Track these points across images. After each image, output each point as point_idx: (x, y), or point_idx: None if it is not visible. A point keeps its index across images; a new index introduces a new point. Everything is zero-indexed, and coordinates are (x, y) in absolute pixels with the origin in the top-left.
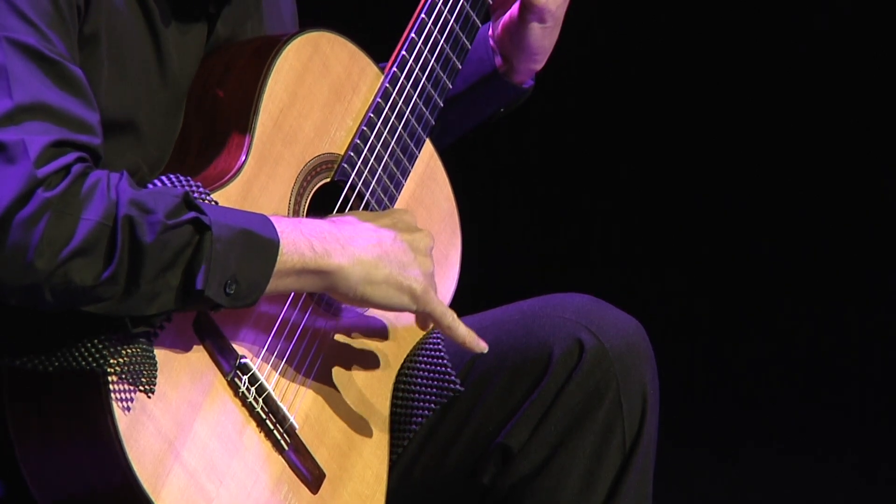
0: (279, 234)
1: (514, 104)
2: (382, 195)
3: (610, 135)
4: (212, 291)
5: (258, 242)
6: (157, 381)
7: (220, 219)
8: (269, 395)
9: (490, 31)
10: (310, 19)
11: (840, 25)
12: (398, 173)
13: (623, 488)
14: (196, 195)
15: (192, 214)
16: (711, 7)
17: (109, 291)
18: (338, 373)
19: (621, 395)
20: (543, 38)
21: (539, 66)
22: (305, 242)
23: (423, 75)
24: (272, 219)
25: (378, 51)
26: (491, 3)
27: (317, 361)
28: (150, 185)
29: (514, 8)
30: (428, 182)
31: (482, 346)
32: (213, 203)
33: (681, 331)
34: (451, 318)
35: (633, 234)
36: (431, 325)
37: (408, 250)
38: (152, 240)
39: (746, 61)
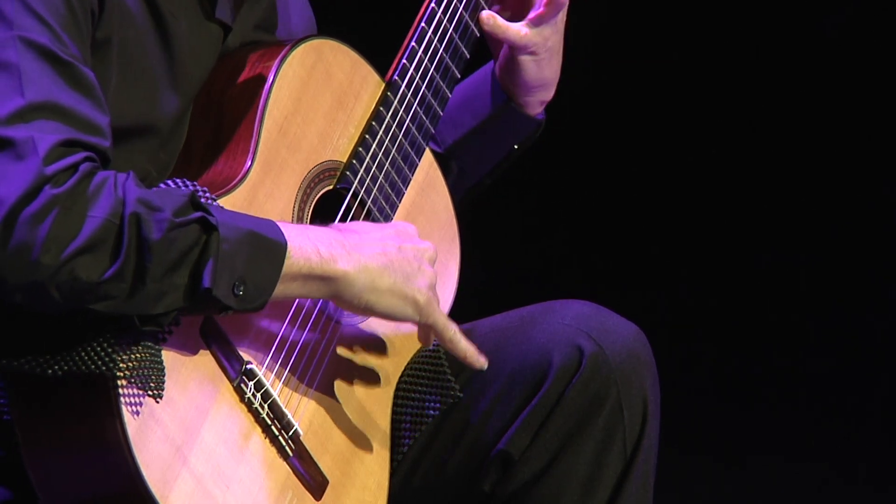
0: (286, 238)
1: (528, 139)
2: (384, 203)
3: (610, 140)
4: (220, 291)
5: (266, 245)
6: (165, 385)
7: (227, 220)
8: (274, 401)
9: (495, 70)
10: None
11: (842, 31)
12: (399, 181)
13: (624, 495)
14: (203, 199)
15: (199, 214)
16: (714, 13)
17: (116, 289)
18: (341, 380)
19: (622, 402)
20: (541, 70)
21: (547, 97)
22: (312, 247)
23: (424, 83)
24: (279, 223)
25: (379, 58)
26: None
27: (320, 369)
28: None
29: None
30: (427, 190)
31: (482, 362)
32: (218, 206)
33: (681, 337)
34: (454, 332)
35: (633, 240)
36: (433, 340)
37: (412, 261)
38: (159, 237)
39: (749, 68)
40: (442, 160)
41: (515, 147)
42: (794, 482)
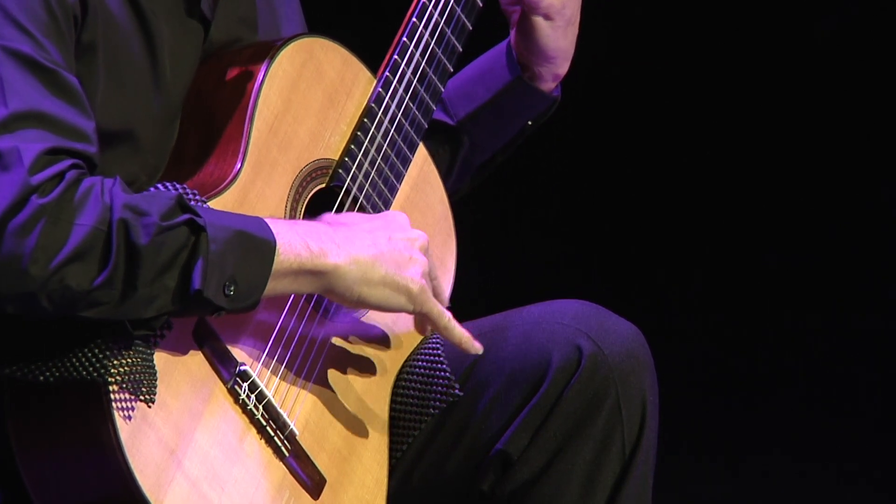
0: (275, 235)
1: (542, 116)
2: (377, 199)
3: (610, 139)
4: (211, 292)
5: (254, 243)
6: (158, 389)
7: (215, 220)
8: (269, 402)
9: (511, 41)
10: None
11: (843, 31)
12: (392, 177)
13: (622, 495)
14: (191, 201)
15: (187, 216)
16: (713, 13)
17: (106, 296)
18: (337, 378)
19: (621, 402)
20: (557, 38)
21: (561, 70)
22: (301, 243)
23: (416, 79)
24: (267, 220)
25: (370, 55)
26: (481, 5)
27: (316, 367)
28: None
29: (521, 12)
30: (422, 185)
31: (477, 347)
32: (206, 207)
33: (680, 337)
34: (448, 319)
35: (632, 240)
36: (430, 330)
37: (403, 251)
38: (147, 242)
39: (749, 68)
40: (453, 133)
41: (529, 123)
42: (794, 482)
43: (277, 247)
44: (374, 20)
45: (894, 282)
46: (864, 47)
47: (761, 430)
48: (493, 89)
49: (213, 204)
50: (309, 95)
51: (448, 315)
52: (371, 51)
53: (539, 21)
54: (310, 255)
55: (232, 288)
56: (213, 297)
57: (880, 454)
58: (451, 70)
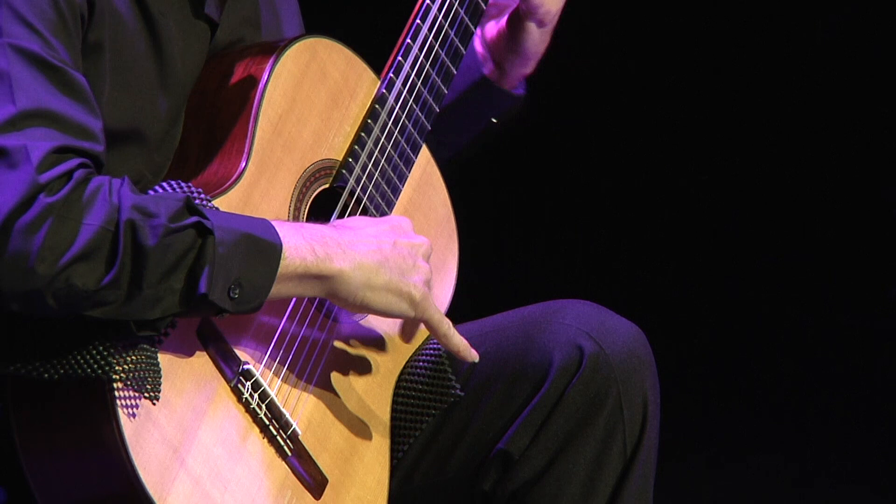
0: (281, 239)
1: (507, 114)
2: (380, 200)
3: (610, 139)
4: (216, 295)
5: (261, 246)
6: (162, 387)
7: (223, 223)
8: (271, 402)
9: (479, 39)
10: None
11: (843, 31)
12: (395, 178)
13: (624, 495)
14: (197, 201)
15: (195, 219)
16: (713, 12)
17: (112, 295)
18: (339, 378)
19: (622, 402)
20: (541, 42)
21: (529, 71)
22: (307, 247)
23: (419, 81)
24: (274, 223)
25: (373, 56)
26: (484, 7)
27: (318, 367)
28: (151, 192)
29: (511, 12)
30: (425, 187)
31: (474, 355)
32: (213, 208)
33: (682, 337)
34: (447, 327)
35: (633, 240)
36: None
37: (407, 257)
38: (154, 243)
39: (750, 68)
40: None
41: (493, 121)
42: (794, 482)
43: (283, 251)
44: (377, 21)
45: (894, 282)
46: (864, 47)
47: (761, 430)
48: (458, 89)
49: (218, 203)
50: (313, 96)
51: (448, 323)
52: (374, 52)
53: (531, 26)
54: (315, 259)
55: (237, 291)
56: (218, 299)
57: (880, 454)
58: (455, 72)
